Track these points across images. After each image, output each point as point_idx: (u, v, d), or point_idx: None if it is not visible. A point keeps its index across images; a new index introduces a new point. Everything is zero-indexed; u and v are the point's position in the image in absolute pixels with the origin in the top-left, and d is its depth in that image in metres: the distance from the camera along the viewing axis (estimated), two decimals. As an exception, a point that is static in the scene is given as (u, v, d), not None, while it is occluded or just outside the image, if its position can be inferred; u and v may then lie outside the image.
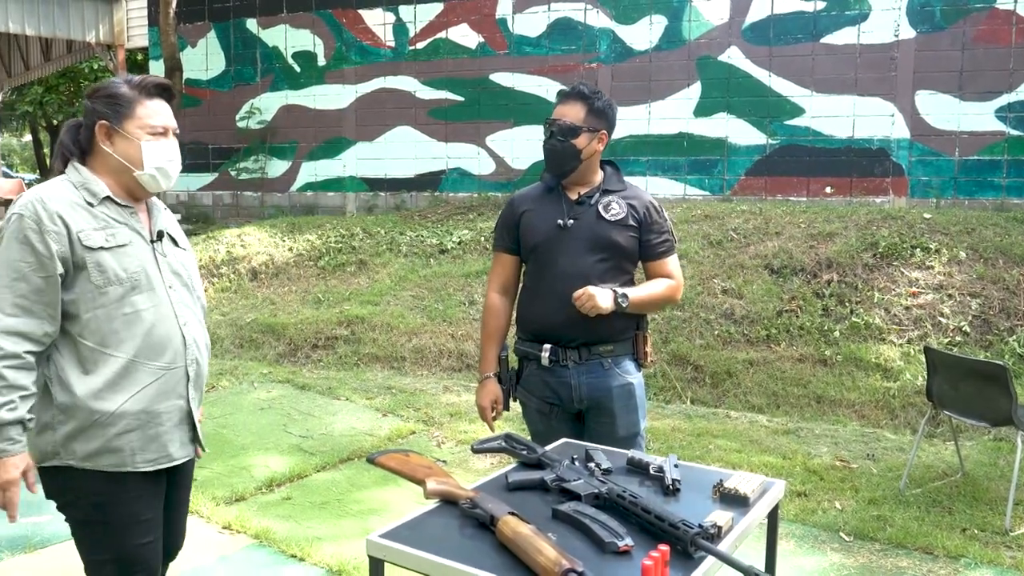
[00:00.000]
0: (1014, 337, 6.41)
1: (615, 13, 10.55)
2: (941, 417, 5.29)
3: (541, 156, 2.96)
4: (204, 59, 13.29)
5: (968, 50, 8.99)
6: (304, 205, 12.61)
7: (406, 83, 11.83)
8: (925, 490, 4.57)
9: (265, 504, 4.46)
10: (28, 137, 36.51)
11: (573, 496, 2.03)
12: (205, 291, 6.57)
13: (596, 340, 2.86)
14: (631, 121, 10.39)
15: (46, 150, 32.02)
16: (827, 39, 9.55)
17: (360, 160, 12.22)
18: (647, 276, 3.00)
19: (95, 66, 20.17)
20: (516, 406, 3.10)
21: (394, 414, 6.03)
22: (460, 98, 11.49)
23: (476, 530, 1.90)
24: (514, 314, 3.08)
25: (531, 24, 11.05)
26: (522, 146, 11.07)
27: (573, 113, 2.87)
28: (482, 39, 11.35)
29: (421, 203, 11.74)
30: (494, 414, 3.02)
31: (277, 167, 12.82)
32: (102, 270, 2.19)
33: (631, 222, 2.90)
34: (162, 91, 2.35)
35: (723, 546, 1.81)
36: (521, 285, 3.06)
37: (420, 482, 2.11)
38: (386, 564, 1.87)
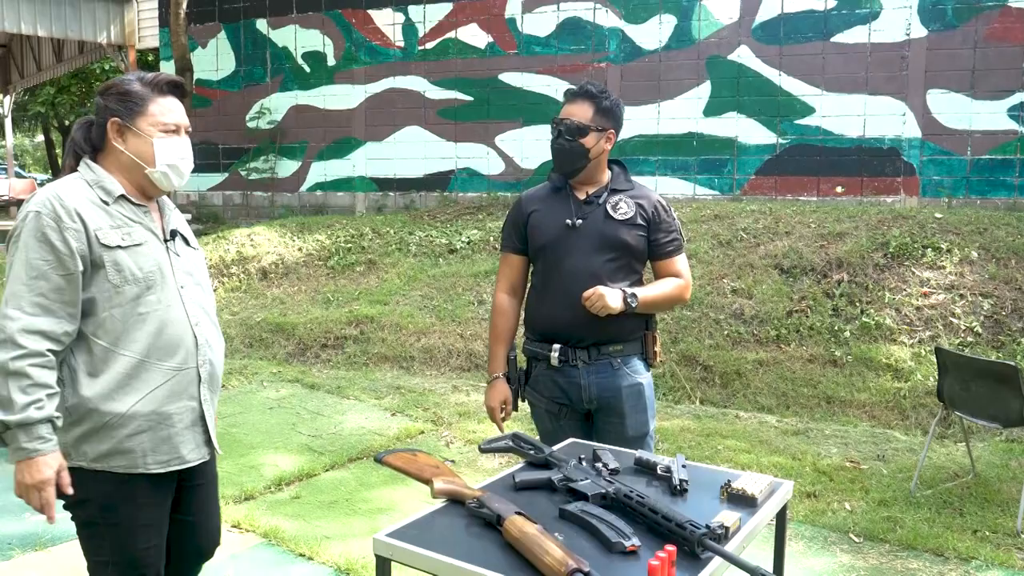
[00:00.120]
0: (1026, 337, 6.37)
1: (624, 12, 10.53)
2: (952, 418, 5.27)
3: (550, 156, 2.95)
4: (214, 59, 13.33)
5: (980, 49, 8.95)
6: (314, 205, 12.63)
7: (415, 83, 11.84)
8: (936, 491, 4.55)
9: (274, 503, 4.47)
10: (40, 138, 36.70)
11: (580, 496, 2.02)
12: (215, 291, 6.59)
13: (605, 340, 2.86)
14: (640, 121, 10.38)
15: (58, 151, 32.17)
16: (838, 38, 9.51)
17: (369, 160, 12.24)
18: (655, 275, 2.99)
19: (107, 67, 20.25)
20: (524, 406, 3.09)
21: (403, 414, 6.03)
22: (469, 98, 11.49)
23: (483, 530, 1.89)
24: (522, 314, 3.07)
25: (540, 24, 11.04)
26: (531, 146, 11.07)
27: (581, 112, 2.86)
28: (491, 39, 11.35)
29: (430, 203, 11.75)
30: (503, 415, 3.01)
31: (287, 167, 12.85)
32: (119, 269, 2.18)
33: (640, 221, 2.89)
34: (174, 88, 2.33)
35: (730, 547, 1.81)
36: (529, 285, 3.05)
37: (427, 481, 2.11)
38: (393, 563, 1.87)
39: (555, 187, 2.98)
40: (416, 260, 9.53)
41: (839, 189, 9.60)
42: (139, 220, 2.27)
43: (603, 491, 2.01)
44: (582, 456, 2.26)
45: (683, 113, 10.26)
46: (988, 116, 8.93)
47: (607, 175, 2.97)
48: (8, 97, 19.75)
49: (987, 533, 4.07)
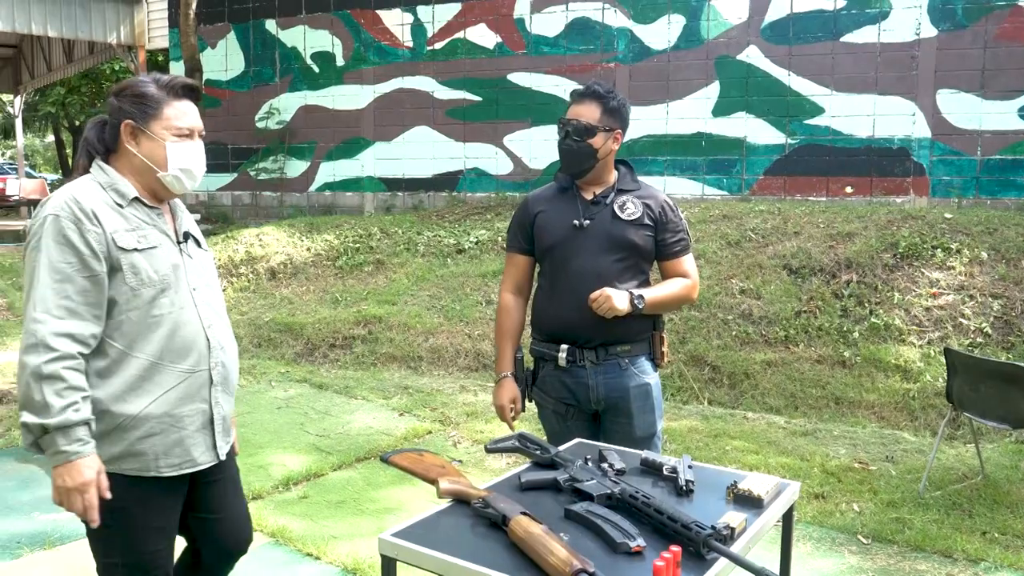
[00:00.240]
0: (1036, 338, 6.35)
1: (633, 12, 10.53)
2: (961, 419, 5.25)
3: (558, 156, 2.94)
4: (224, 60, 13.37)
5: (990, 48, 8.91)
6: (322, 205, 12.66)
7: (424, 83, 11.86)
8: (945, 493, 4.53)
9: (282, 502, 4.48)
10: (51, 138, 36.86)
11: (586, 496, 2.02)
12: (223, 291, 6.61)
13: (613, 340, 2.85)
14: (649, 121, 10.37)
15: (68, 151, 32.30)
16: (847, 38, 9.49)
17: (378, 160, 12.26)
18: (663, 275, 2.99)
19: (116, 67, 20.34)
20: (531, 406, 3.09)
21: (411, 414, 6.04)
22: (478, 98, 11.50)
23: (488, 530, 1.89)
24: (528, 315, 3.07)
25: (549, 24, 11.04)
26: (540, 146, 11.07)
27: (588, 113, 2.86)
28: (500, 39, 11.35)
29: (439, 203, 11.76)
30: (512, 413, 3.00)
31: (296, 167, 12.88)
32: (136, 272, 2.17)
33: (647, 221, 2.89)
34: (189, 92, 2.32)
35: (736, 547, 1.80)
36: (536, 286, 3.05)
37: (433, 481, 2.11)
38: (399, 563, 1.87)
39: (562, 187, 2.98)
40: (424, 260, 9.54)
41: (848, 189, 9.58)
42: (153, 222, 2.27)
43: (609, 491, 2.01)
44: (588, 456, 2.26)
45: (692, 113, 10.25)
46: (998, 116, 8.89)
47: (614, 175, 2.97)
48: (19, 97, 19.86)
49: (996, 535, 4.05)
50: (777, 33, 9.79)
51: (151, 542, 2.27)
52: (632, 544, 1.76)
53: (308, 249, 10.17)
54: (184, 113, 2.29)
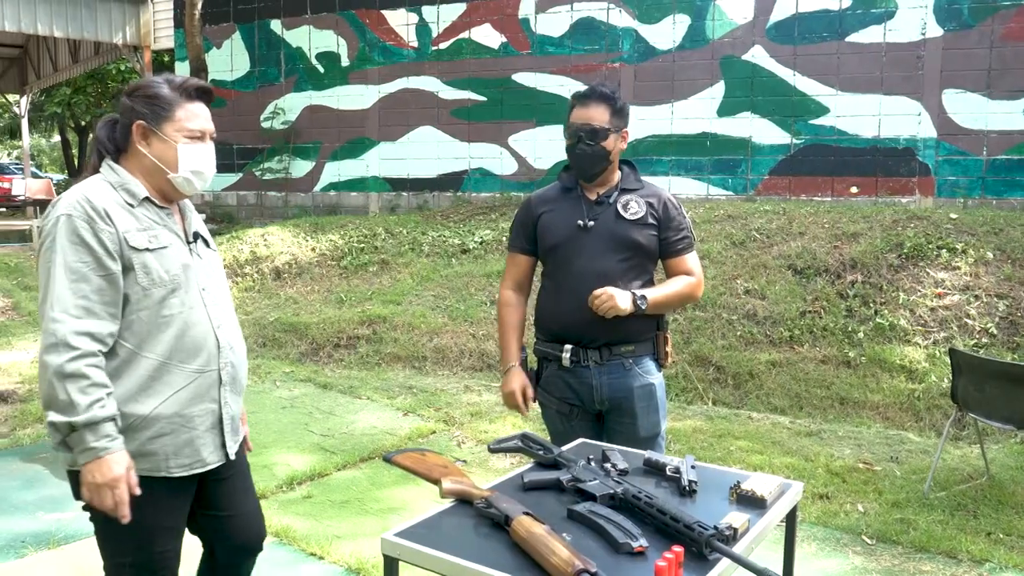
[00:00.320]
0: (1042, 339, 6.33)
1: (638, 12, 10.52)
2: (966, 420, 5.24)
3: (563, 156, 2.94)
4: (229, 60, 13.39)
5: (996, 48, 8.89)
6: (327, 205, 12.67)
7: (429, 83, 11.86)
8: (950, 493, 4.52)
9: (286, 502, 4.48)
10: (56, 138, 36.98)
11: (588, 496, 2.02)
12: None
13: (617, 340, 2.85)
14: (654, 121, 10.37)
15: (74, 151, 32.40)
16: (853, 37, 9.47)
17: (383, 160, 12.27)
18: (667, 273, 2.98)
19: (122, 67, 20.40)
20: (535, 406, 3.09)
21: (415, 413, 6.04)
22: (483, 98, 11.50)
23: (491, 530, 1.89)
24: (532, 315, 3.06)
25: (554, 24, 11.04)
26: (544, 146, 11.07)
27: (599, 115, 2.85)
28: (505, 39, 11.36)
29: (443, 203, 11.76)
30: (523, 399, 2.95)
31: (301, 167, 12.90)
32: (147, 272, 2.17)
33: (651, 220, 2.88)
34: (202, 94, 2.32)
35: (739, 548, 1.80)
36: (540, 286, 3.05)
37: (436, 481, 2.11)
38: (402, 563, 1.87)
39: (565, 188, 2.98)
40: (429, 260, 9.54)
41: (854, 189, 9.56)
42: (163, 222, 2.27)
43: (611, 492, 2.00)
44: (591, 456, 2.26)
45: (697, 113, 10.24)
46: (1004, 116, 8.87)
47: (618, 175, 2.97)
48: (25, 98, 19.90)
49: (1001, 535, 4.04)
50: (782, 33, 9.77)
51: (160, 542, 2.27)
52: (634, 544, 1.76)
53: (313, 249, 10.18)
54: (196, 115, 2.29)
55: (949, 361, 4.97)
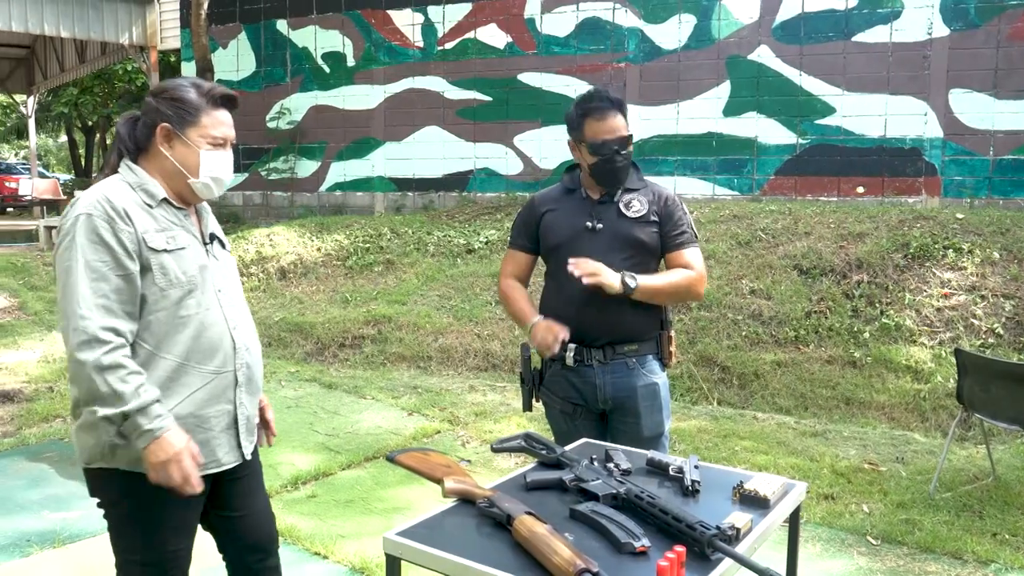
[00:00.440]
0: (1049, 339, 6.30)
1: (643, 12, 10.51)
2: (972, 420, 5.22)
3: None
4: (235, 60, 13.42)
5: (1003, 48, 8.86)
6: (333, 205, 12.69)
7: (434, 83, 11.87)
8: (955, 494, 4.51)
9: (290, 501, 4.49)
10: (63, 138, 37.07)
11: (591, 496, 2.02)
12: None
13: (620, 340, 2.85)
14: (659, 121, 10.35)
15: (81, 151, 32.48)
16: (859, 37, 9.45)
17: (388, 160, 12.28)
18: (666, 268, 2.97)
19: (128, 67, 20.44)
20: (539, 406, 3.09)
21: (420, 413, 6.05)
22: (488, 98, 11.50)
23: (493, 529, 1.89)
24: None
25: (559, 24, 11.03)
26: (550, 146, 11.06)
27: (621, 124, 2.86)
28: (510, 39, 11.35)
29: (449, 203, 11.77)
30: (553, 339, 2.77)
31: (306, 167, 12.91)
32: (165, 272, 2.18)
33: (652, 218, 2.89)
34: (227, 101, 2.33)
35: (741, 548, 1.79)
36: (543, 286, 3.05)
37: (438, 481, 2.11)
38: (404, 563, 1.87)
39: (568, 188, 2.99)
40: (434, 260, 9.55)
41: (860, 189, 9.53)
42: (181, 224, 2.27)
43: (614, 491, 2.00)
44: (594, 456, 2.26)
45: (702, 113, 10.22)
46: (1011, 116, 8.84)
47: (622, 175, 2.97)
48: (32, 98, 19.97)
49: (1007, 536, 4.02)
50: (788, 33, 9.76)
51: (172, 541, 2.28)
52: (637, 544, 1.76)
53: (318, 249, 10.19)
54: (221, 122, 2.30)
55: (955, 361, 4.95)
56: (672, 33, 10.37)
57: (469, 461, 5.06)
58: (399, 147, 12.18)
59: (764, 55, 9.88)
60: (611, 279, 2.70)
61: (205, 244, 2.33)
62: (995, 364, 4.57)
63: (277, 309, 8.90)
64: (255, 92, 13.19)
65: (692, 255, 2.92)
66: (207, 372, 2.24)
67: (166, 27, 14.72)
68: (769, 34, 9.84)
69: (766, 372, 6.51)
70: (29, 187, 18.86)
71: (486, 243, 9.61)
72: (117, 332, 2.09)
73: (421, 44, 11.96)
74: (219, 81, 13.03)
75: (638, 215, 2.87)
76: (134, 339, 2.15)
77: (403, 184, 12.19)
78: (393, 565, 1.87)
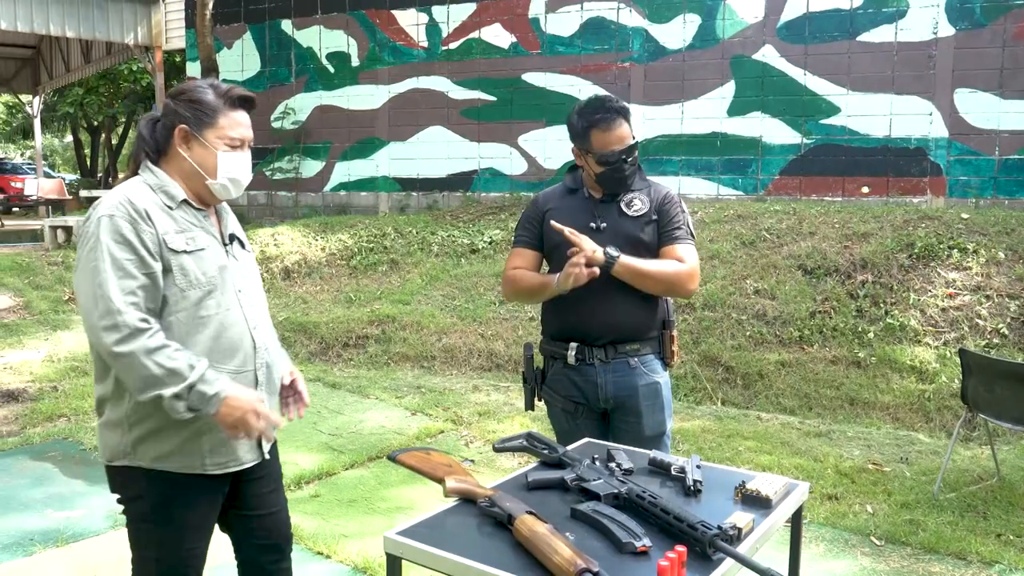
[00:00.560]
0: (1054, 340, 6.28)
1: (648, 12, 10.50)
2: (977, 420, 5.21)
3: (609, 184, 2.89)
4: (240, 60, 13.43)
5: (1009, 47, 8.84)
6: (337, 205, 12.69)
7: (439, 83, 11.87)
8: (959, 494, 4.50)
9: (293, 501, 4.46)
10: (69, 138, 37.14)
11: (592, 496, 2.01)
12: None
13: (622, 338, 2.85)
14: (664, 121, 10.34)
15: (86, 151, 32.54)
16: (864, 37, 9.43)
17: (393, 160, 12.28)
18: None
19: (134, 67, 20.49)
20: (541, 405, 3.09)
21: (423, 413, 6.05)
22: (492, 98, 11.50)
23: (494, 529, 1.89)
24: (537, 314, 3.05)
25: (564, 23, 11.03)
26: (554, 146, 11.06)
27: (627, 131, 2.86)
28: (515, 39, 11.35)
29: (453, 203, 11.77)
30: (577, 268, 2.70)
31: (311, 167, 12.92)
32: (185, 273, 2.19)
33: (653, 216, 2.89)
34: (245, 102, 2.35)
35: (743, 548, 1.79)
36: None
37: (440, 480, 2.11)
38: (406, 562, 1.87)
39: (569, 188, 2.99)
40: (438, 260, 9.55)
41: (865, 189, 9.52)
42: (201, 225, 2.28)
43: (615, 491, 2.00)
44: (596, 456, 2.26)
45: (707, 113, 10.21)
46: (1016, 116, 8.82)
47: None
48: (37, 98, 20.01)
49: (1011, 537, 4.01)
50: (793, 32, 9.74)
51: (190, 539, 2.29)
52: (638, 544, 1.75)
53: (322, 249, 10.20)
54: (239, 124, 2.32)
55: (959, 361, 4.94)
56: (677, 33, 10.36)
57: (472, 461, 5.06)
58: (403, 147, 12.18)
59: (769, 55, 9.87)
60: (591, 247, 2.71)
61: (225, 245, 2.34)
62: (1000, 364, 4.56)
63: (281, 309, 8.91)
64: (260, 92, 13.17)
65: (685, 250, 2.88)
66: (227, 372, 2.24)
67: (171, 27, 14.75)
68: (774, 34, 9.83)
69: (770, 372, 6.50)
70: (34, 187, 18.89)
71: (490, 243, 9.61)
72: (148, 322, 2.11)
73: (425, 44, 11.96)
74: (224, 81, 13.07)
75: (639, 214, 2.88)
76: None
77: (407, 184, 12.19)
78: (394, 564, 1.87)
